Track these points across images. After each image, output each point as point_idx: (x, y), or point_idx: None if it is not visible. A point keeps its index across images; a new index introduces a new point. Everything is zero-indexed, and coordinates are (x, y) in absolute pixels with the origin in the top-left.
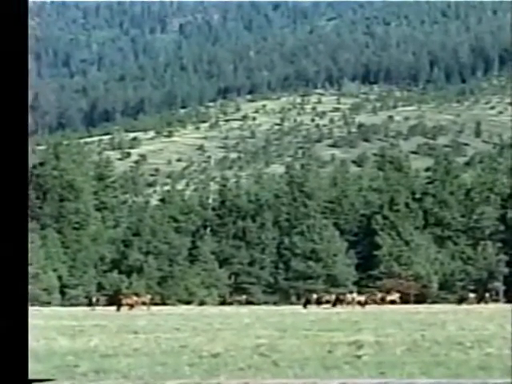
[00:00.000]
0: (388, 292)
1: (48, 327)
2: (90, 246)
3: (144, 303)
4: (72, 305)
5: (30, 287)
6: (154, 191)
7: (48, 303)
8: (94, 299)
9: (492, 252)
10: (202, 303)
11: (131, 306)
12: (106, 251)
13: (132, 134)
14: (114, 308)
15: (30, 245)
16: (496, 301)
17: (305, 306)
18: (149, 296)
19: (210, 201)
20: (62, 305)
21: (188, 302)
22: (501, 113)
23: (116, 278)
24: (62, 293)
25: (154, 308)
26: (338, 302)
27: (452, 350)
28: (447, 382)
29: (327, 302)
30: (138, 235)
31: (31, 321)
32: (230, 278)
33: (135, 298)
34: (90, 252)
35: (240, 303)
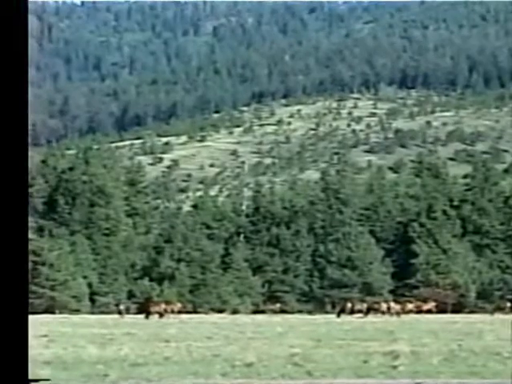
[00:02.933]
0: (424, 301)
1: (77, 335)
2: (121, 252)
3: (173, 311)
4: (102, 312)
5: (58, 294)
6: (187, 197)
7: (77, 311)
8: (124, 307)
9: None
10: (234, 312)
11: (161, 314)
12: (136, 258)
13: (164, 139)
14: (143, 316)
15: (58, 251)
16: None
17: (338, 314)
18: (179, 304)
19: (244, 207)
20: (92, 312)
21: (220, 311)
22: None
23: (147, 286)
24: (92, 300)
25: (185, 316)
26: (373, 310)
27: (489, 360)
28: (448, 382)
29: (362, 311)
30: (169, 242)
31: (60, 329)
32: (263, 286)
33: (164, 306)
34: (120, 259)
35: (273, 312)
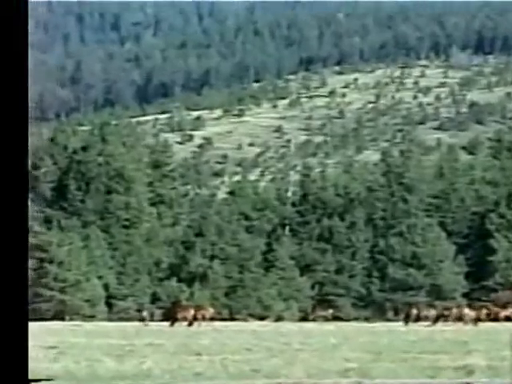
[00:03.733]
0: (504, 306)
1: (91, 346)
2: (143, 248)
3: (205, 317)
4: (121, 319)
5: (68, 297)
6: (222, 182)
7: (92, 317)
8: (147, 313)
9: None
10: (278, 318)
11: (190, 321)
12: (162, 254)
13: (195, 113)
14: (169, 323)
15: (68, 246)
16: None
17: (406, 322)
18: (211, 309)
19: (290, 194)
20: (109, 319)
21: (262, 317)
22: None
23: (174, 287)
24: (109, 305)
25: (220, 324)
26: (443, 317)
27: None
28: (450, 383)
29: (430, 317)
30: (201, 235)
31: (71, 338)
32: (312, 288)
33: (194, 312)
34: (142, 255)
35: (325, 319)
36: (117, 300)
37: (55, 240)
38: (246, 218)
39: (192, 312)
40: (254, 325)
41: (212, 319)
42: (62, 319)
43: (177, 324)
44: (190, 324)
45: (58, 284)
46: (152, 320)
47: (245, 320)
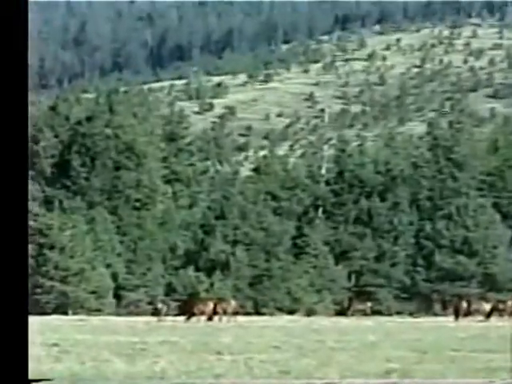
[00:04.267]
0: None
1: (98, 344)
2: (157, 232)
3: (227, 312)
4: (130, 313)
5: (72, 288)
6: (246, 157)
7: (98, 311)
8: (161, 306)
9: None
10: (310, 313)
11: (210, 315)
12: (178, 240)
13: (215, 79)
14: (185, 318)
15: (71, 230)
16: None
17: (455, 316)
18: (233, 302)
19: (323, 171)
20: (118, 313)
21: (291, 311)
22: None
23: (192, 277)
24: (118, 297)
25: (243, 319)
26: (497, 311)
27: None
28: (449, 382)
29: (483, 311)
30: (222, 218)
31: (75, 335)
32: (349, 278)
33: (211, 305)
34: (156, 241)
35: (363, 313)
36: (126, 291)
37: (56, 223)
38: (274, 198)
39: (211, 305)
40: (283, 320)
41: (234, 313)
42: (65, 313)
43: (194, 319)
44: (210, 319)
45: (59, 273)
46: (167, 314)
47: (272, 314)
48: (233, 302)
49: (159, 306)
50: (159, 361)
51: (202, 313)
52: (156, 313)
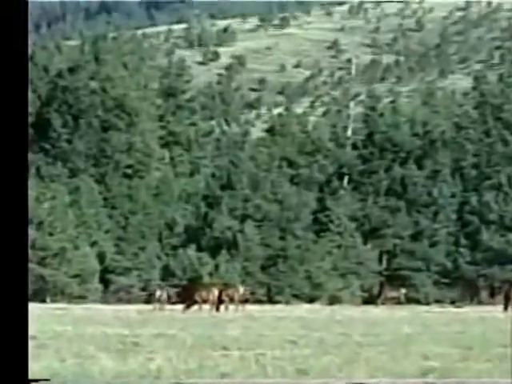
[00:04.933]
0: None
1: (81, 337)
2: (152, 204)
3: (233, 299)
4: (121, 301)
5: (50, 272)
6: (257, 116)
7: (82, 298)
8: (157, 293)
9: None
10: (333, 301)
11: (214, 304)
12: (177, 214)
13: (221, 23)
14: (184, 307)
15: (51, 202)
16: None
17: (505, 306)
18: (242, 288)
19: (349, 133)
20: (105, 301)
21: (311, 299)
22: None
23: (193, 259)
24: (105, 281)
25: (254, 308)
26: None
27: None
28: (449, 382)
29: None
30: (229, 188)
31: (55, 326)
32: (380, 260)
33: (216, 292)
34: (150, 215)
35: (396, 301)
36: (115, 275)
37: (33, 193)
38: (291, 164)
39: (216, 292)
40: (301, 309)
41: (243, 302)
42: (43, 301)
43: (195, 308)
44: (217, 308)
45: (36, 253)
46: (164, 302)
47: (288, 303)
48: (241, 289)
49: (156, 292)
50: (154, 358)
51: (205, 301)
52: (150, 300)
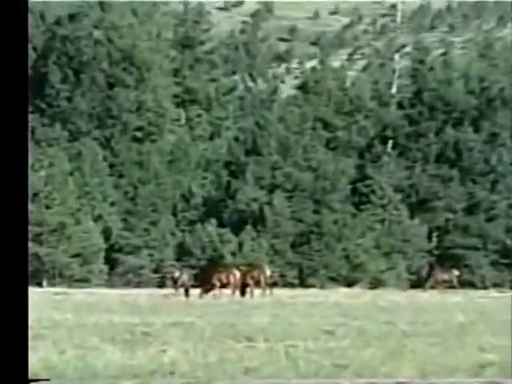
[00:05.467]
0: None
1: (83, 327)
2: (165, 173)
3: (259, 282)
4: (129, 285)
5: (48, 250)
6: (287, 70)
7: (84, 281)
8: (173, 274)
9: None
10: (376, 284)
11: (237, 289)
12: (194, 183)
13: None
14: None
15: (48, 170)
16: None
17: None
18: (268, 271)
19: (394, 90)
20: (111, 285)
21: (350, 283)
22: None
23: (213, 235)
24: (111, 262)
25: (284, 292)
26: None
27: None
28: (448, 382)
29: None
30: (254, 153)
31: (53, 314)
32: (429, 236)
33: (238, 275)
34: (164, 185)
35: (448, 285)
36: (123, 254)
37: (28, 160)
38: (326, 126)
39: (238, 274)
40: (339, 294)
41: (271, 285)
42: (38, 284)
43: (214, 293)
44: (242, 293)
45: (31, 229)
46: (177, 286)
47: (323, 287)
48: (268, 270)
49: (172, 274)
50: (168, 350)
51: (226, 284)
52: (164, 284)
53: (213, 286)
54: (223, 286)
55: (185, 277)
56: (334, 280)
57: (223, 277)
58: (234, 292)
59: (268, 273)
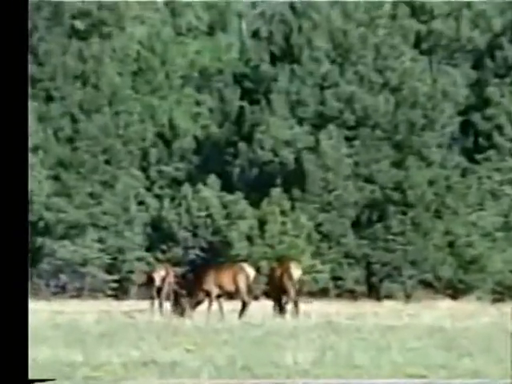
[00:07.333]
0: None
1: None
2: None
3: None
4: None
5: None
6: None
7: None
8: (155, 274)
9: None
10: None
11: (278, 299)
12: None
13: None
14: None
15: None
16: None
17: None
18: (298, 268)
19: None
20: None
21: (458, 291)
22: None
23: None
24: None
25: (327, 307)
26: None
27: None
28: (449, 382)
29: None
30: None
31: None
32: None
33: (251, 272)
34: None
35: None
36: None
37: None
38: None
39: (252, 274)
40: (440, 311)
41: (310, 294)
42: None
43: (209, 307)
44: (281, 309)
45: None
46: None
47: (409, 297)
48: (299, 268)
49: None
50: None
51: (231, 292)
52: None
53: (207, 296)
54: (226, 294)
55: (171, 278)
56: (429, 286)
57: (226, 278)
58: (244, 307)
59: (298, 271)
